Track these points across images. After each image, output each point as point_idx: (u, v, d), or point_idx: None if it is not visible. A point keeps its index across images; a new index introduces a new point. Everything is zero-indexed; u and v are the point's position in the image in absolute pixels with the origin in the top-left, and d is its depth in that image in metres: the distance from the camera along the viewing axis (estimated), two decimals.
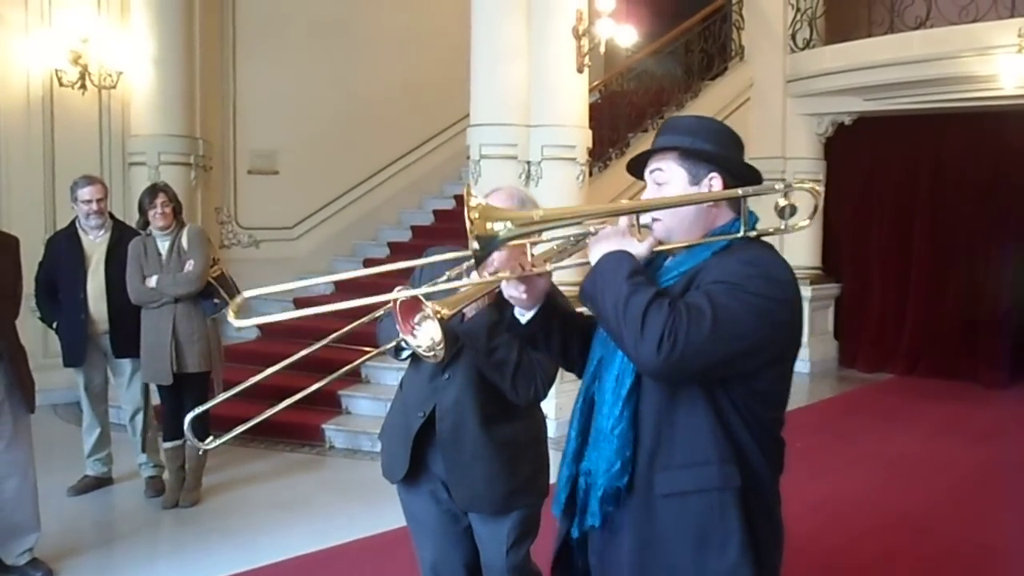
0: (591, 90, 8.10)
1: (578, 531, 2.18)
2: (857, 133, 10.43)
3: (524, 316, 2.24)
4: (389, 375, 7.64)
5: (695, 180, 2.15)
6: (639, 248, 2.07)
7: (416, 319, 2.33)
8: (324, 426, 7.06)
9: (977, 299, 10.17)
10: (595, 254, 2.07)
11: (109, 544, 5.20)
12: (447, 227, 10.05)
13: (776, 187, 2.11)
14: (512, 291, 2.17)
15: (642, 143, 9.38)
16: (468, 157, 7.72)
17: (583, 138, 7.61)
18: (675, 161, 2.16)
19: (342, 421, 7.20)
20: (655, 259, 2.16)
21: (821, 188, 9.90)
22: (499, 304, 2.70)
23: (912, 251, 10.47)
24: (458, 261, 2.66)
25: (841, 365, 10.90)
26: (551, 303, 2.24)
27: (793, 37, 10.20)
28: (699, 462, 2.02)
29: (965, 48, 8.30)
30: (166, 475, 5.83)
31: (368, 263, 9.79)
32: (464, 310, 2.55)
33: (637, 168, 2.29)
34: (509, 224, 1.99)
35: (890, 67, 8.90)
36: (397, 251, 9.96)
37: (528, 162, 7.46)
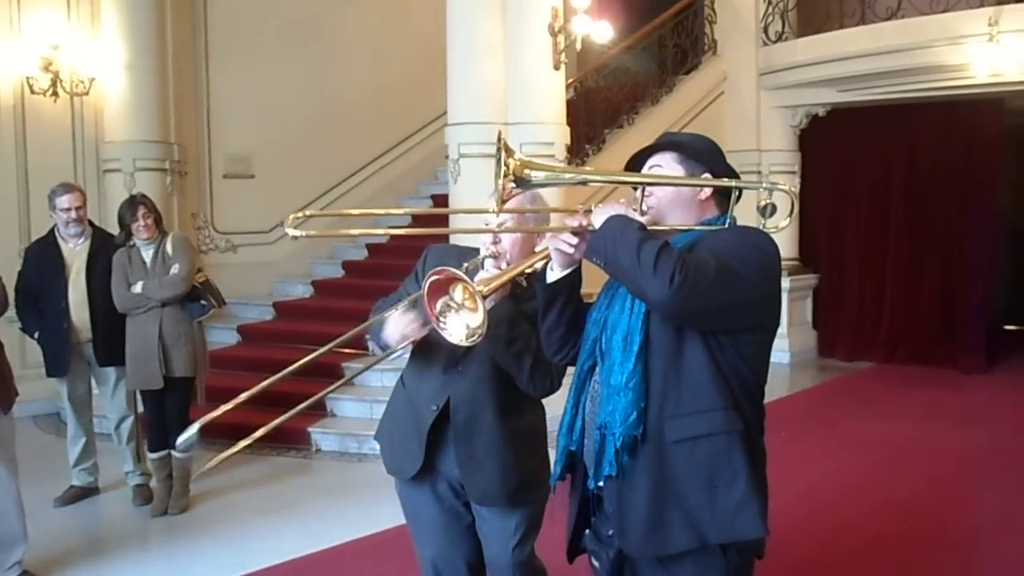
0: (567, 87, 8.11)
1: (594, 483, 2.32)
2: (831, 124, 10.53)
3: (557, 274, 2.38)
4: (373, 376, 7.59)
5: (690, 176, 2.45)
6: (639, 218, 2.28)
7: (438, 308, 2.32)
8: (310, 429, 7.04)
9: (953, 286, 10.30)
10: (599, 217, 2.24)
11: (99, 554, 5.15)
12: (425, 227, 10.03)
13: (763, 185, 2.54)
14: (562, 245, 2.30)
15: (618, 139, 9.42)
16: (446, 156, 7.70)
17: (561, 135, 7.61)
18: (674, 159, 2.45)
19: (328, 424, 7.17)
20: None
21: (797, 187, 10.14)
22: (515, 296, 2.74)
23: (888, 240, 10.57)
24: (468, 256, 2.77)
25: (820, 355, 10.99)
26: (578, 271, 2.40)
27: (765, 30, 10.27)
28: (705, 408, 2.22)
29: (937, 38, 8.38)
30: (153, 483, 5.79)
31: (347, 265, 9.78)
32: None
33: (635, 166, 2.53)
34: (546, 174, 2.27)
35: (862, 58, 8.97)
36: (376, 253, 9.94)
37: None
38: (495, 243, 2.77)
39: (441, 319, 2.32)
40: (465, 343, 2.33)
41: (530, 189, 2.30)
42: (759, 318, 2.30)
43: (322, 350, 2.83)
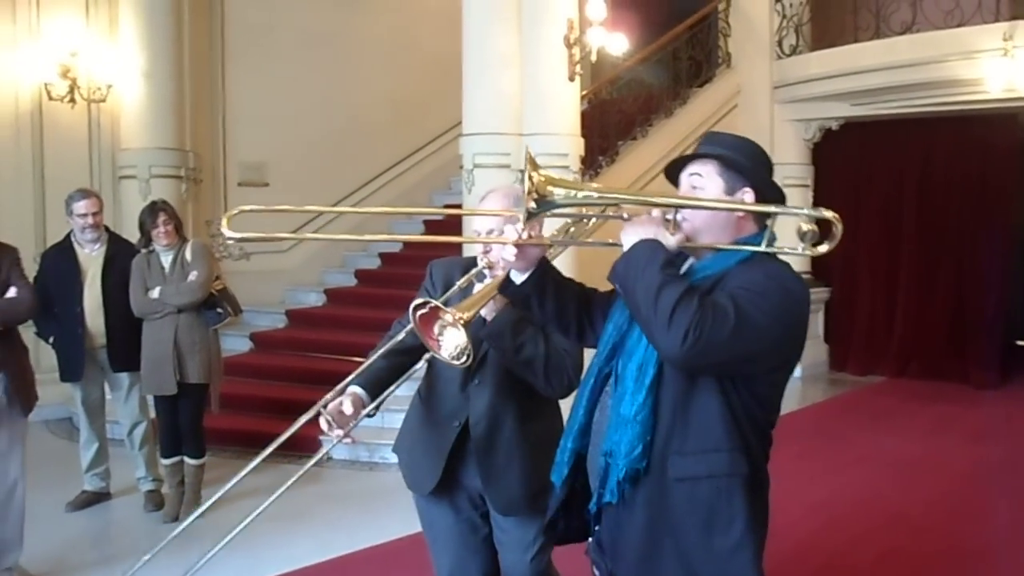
0: (581, 98, 8.13)
1: (595, 506, 2.32)
2: (844, 138, 10.52)
3: (518, 277, 2.37)
4: None
5: (730, 191, 2.31)
6: (670, 241, 2.21)
7: (436, 330, 2.36)
8: (321, 438, 7.02)
9: (965, 300, 10.26)
10: (628, 239, 2.21)
11: (109, 559, 5.17)
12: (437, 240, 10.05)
13: (804, 210, 2.26)
14: (505, 255, 2.31)
15: (632, 151, 9.43)
16: (461, 166, 7.73)
17: (575, 146, 7.63)
18: (714, 169, 2.32)
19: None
20: (679, 257, 2.30)
21: (810, 201, 10.06)
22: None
23: (900, 254, 10.55)
24: (469, 268, 2.78)
25: (832, 368, 10.96)
26: (544, 268, 2.38)
27: (779, 43, 10.27)
28: (710, 449, 2.19)
29: (951, 52, 8.37)
30: (165, 489, 5.82)
31: (359, 274, 9.81)
32: (483, 313, 2.58)
33: (674, 172, 2.43)
34: (567, 192, 2.22)
35: (876, 72, 8.96)
36: (388, 262, 9.97)
37: (521, 171, 7.45)
38: (486, 253, 2.75)
39: (440, 341, 2.40)
40: (455, 363, 2.41)
41: (545, 212, 2.22)
42: (777, 364, 2.26)
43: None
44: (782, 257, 2.29)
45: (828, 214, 2.22)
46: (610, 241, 2.32)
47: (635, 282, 2.12)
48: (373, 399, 2.92)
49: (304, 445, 6.99)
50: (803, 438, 7.54)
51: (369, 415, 2.91)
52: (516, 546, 3.07)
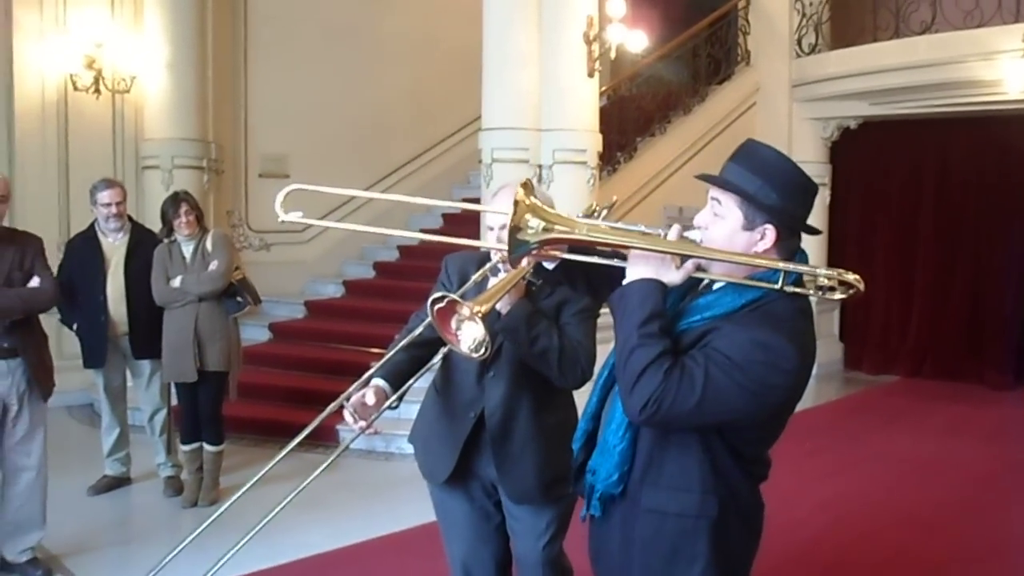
0: (600, 94, 8.18)
1: (585, 512, 2.40)
2: (863, 137, 10.52)
3: (549, 264, 2.46)
4: None
5: (749, 226, 2.15)
6: (674, 276, 2.14)
7: (454, 324, 2.42)
8: (339, 427, 7.12)
9: (982, 301, 10.28)
10: (631, 272, 2.16)
11: (129, 543, 5.29)
12: (455, 230, 10.12)
13: (819, 271, 2.11)
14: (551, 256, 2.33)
15: (650, 148, 9.47)
16: (480, 161, 7.80)
17: (594, 142, 7.69)
18: (735, 202, 2.16)
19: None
20: (690, 287, 2.25)
21: (827, 200, 9.99)
22: (531, 295, 2.83)
23: (917, 254, 10.56)
24: (486, 262, 2.85)
25: (847, 367, 10.99)
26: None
27: (799, 42, 10.29)
28: (682, 488, 2.20)
29: (970, 53, 8.37)
30: (184, 475, 5.91)
31: (378, 266, 9.89)
32: (498, 307, 2.64)
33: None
34: (542, 226, 2.10)
35: (895, 72, 8.97)
36: (406, 255, 10.05)
37: (540, 166, 7.53)
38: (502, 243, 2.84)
39: (459, 335, 2.44)
40: (474, 355, 2.46)
41: (521, 249, 2.14)
42: (760, 422, 2.18)
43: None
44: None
45: (850, 277, 2.09)
46: (615, 262, 2.27)
47: (619, 326, 2.12)
48: (395, 391, 2.97)
49: (322, 435, 7.10)
50: (816, 436, 7.57)
51: (392, 407, 2.96)
52: (529, 534, 3.13)
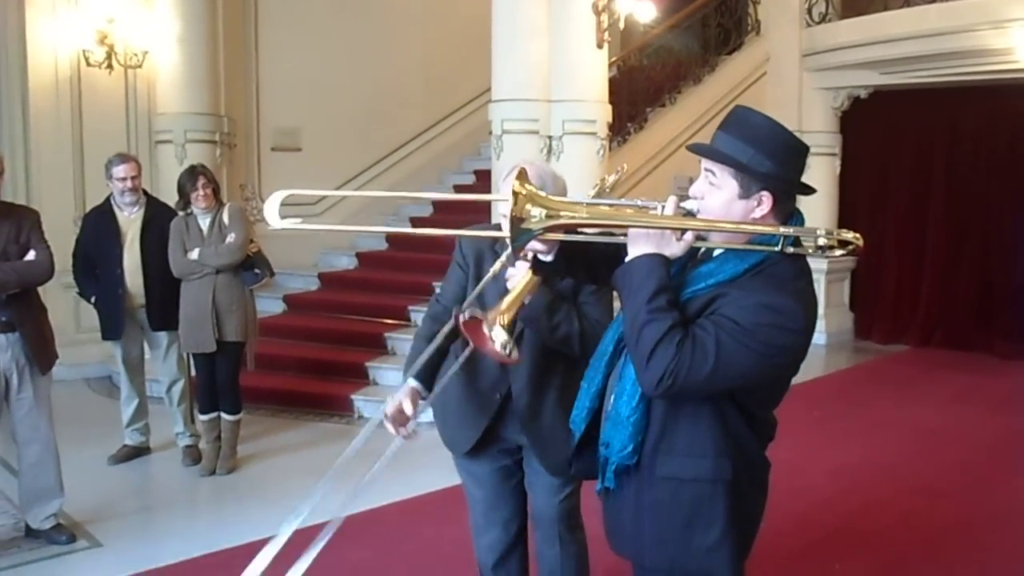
0: (610, 65, 8.19)
1: (600, 486, 2.41)
2: (873, 106, 10.50)
3: (546, 257, 2.41)
4: None
5: (745, 194, 2.18)
6: (676, 247, 2.16)
7: (485, 331, 2.56)
8: (353, 396, 7.23)
9: (992, 270, 10.29)
10: (632, 249, 2.17)
11: (150, 510, 5.39)
12: (466, 202, 10.19)
13: (818, 232, 2.14)
14: (534, 246, 2.32)
15: (660, 118, 9.49)
16: (490, 132, 7.84)
17: (603, 113, 7.72)
18: (729, 173, 2.18)
19: (370, 392, 7.34)
20: (689, 256, 2.26)
21: (837, 169, 9.96)
22: (549, 285, 2.88)
23: (927, 223, 10.57)
24: (501, 244, 2.94)
25: (857, 337, 11.02)
26: (568, 245, 2.34)
27: (809, 11, 10.27)
28: (696, 454, 2.24)
29: (980, 21, 8.35)
30: (202, 444, 6.01)
31: (391, 238, 9.95)
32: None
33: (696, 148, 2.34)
34: (545, 214, 2.09)
35: (906, 41, 8.96)
36: (419, 226, 10.09)
37: (549, 137, 7.57)
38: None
39: (489, 341, 2.56)
40: (507, 359, 2.60)
41: (525, 237, 2.12)
42: (768, 383, 2.25)
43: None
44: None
45: (848, 236, 2.13)
46: (618, 237, 2.24)
47: (626, 303, 2.16)
48: (428, 387, 3.06)
49: (337, 405, 7.24)
50: (825, 404, 7.64)
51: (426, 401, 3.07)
52: (547, 489, 3.23)
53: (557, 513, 3.25)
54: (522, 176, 2.09)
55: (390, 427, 3.01)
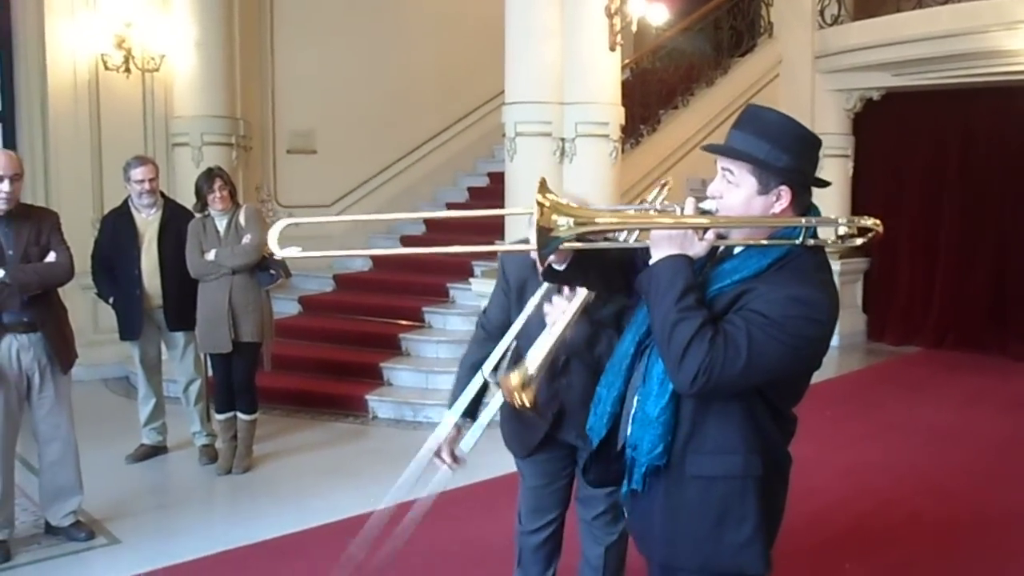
0: (622, 68, 8.23)
1: (627, 488, 2.39)
2: (886, 108, 10.50)
3: (559, 266, 2.37)
4: (428, 347, 7.87)
5: (764, 190, 2.20)
6: (698, 247, 2.18)
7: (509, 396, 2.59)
8: (367, 397, 7.29)
9: (1005, 273, 10.26)
10: (656, 251, 2.19)
11: (167, 508, 5.46)
12: (481, 204, 10.24)
13: (839, 220, 2.20)
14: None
15: (673, 120, 9.53)
16: (503, 135, 7.88)
17: (616, 115, 7.75)
18: (746, 169, 2.20)
19: (384, 392, 7.41)
20: (709, 255, 2.27)
21: (850, 171, 9.94)
22: (589, 315, 2.88)
23: (941, 225, 10.55)
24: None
25: (870, 338, 11.01)
26: (579, 254, 2.34)
27: (821, 13, 10.28)
28: (727, 451, 2.26)
29: (993, 23, 8.35)
30: (219, 443, 6.08)
31: (405, 240, 10.01)
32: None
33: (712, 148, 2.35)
34: (572, 221, 2.10)
35: (918, 42, 8.96)
36: (432, 228, 10.16)
37: (562, 139, 7.61)
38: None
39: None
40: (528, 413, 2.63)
41: (554, 244, 2.12)
42: (796, 375, 2.29)
43: None
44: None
45: (869, 222, 2.19)
46: (639, 242, 2.28)
47: (654, 305, 2.17)
48: (473, 415, 3.19)
49: (351, 405, 7.31)
50: (838, 405, 7.64)
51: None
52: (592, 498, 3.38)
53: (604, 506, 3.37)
54: (543, 187, 2.10)
55: (441, 463, 3.18)
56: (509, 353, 3.06)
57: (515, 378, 2.51)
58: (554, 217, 2.08)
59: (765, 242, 2.19)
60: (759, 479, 2.27)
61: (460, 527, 5.00)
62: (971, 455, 6.61)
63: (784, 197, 2.20)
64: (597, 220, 2.17)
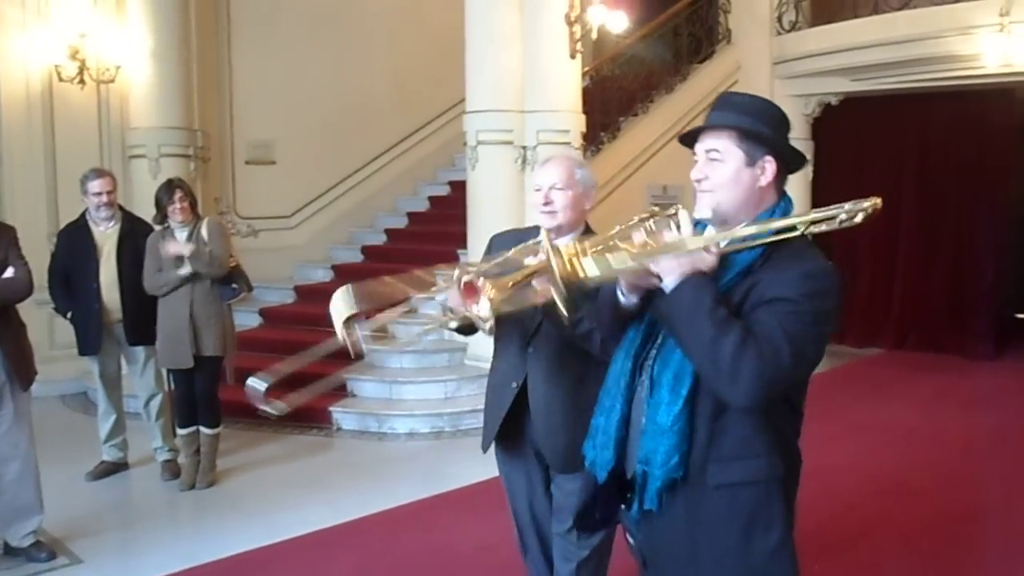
0: (583, 75, 8.25)
1: (638, 510, 2.28)
2: (844, 113, 10.60)
3: (629, 298, 2.28)
4: (392, 358, 7.81)
5: (751, 161, 2.21)
6: (709, 260, 2.13)
7: (474, 297, 2.48)
8: (331, 408, 7.22)
9: (963, 274, 10.42)
10: (669, 276, 2.12)
11: (130, 525, 5.36)
12: (441, 213, 10.22)
13: (842, 209, 2.15)
14: (641, 281, 2.22)
15: (633, 127, 9.55)
16: (464, 143, 7.86)
17: (577, 123, 7.77)
18: (732, 141, 2.21)
19: (349, 403, 7.35)
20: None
21: (809, 176, 10.00)
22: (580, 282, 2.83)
23: (899, 228, 10.67)
24: (527, 239, 2.88)
25: (831, 341, 11.02)
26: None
27: (779, 19, 10.37)
28: (748, 455, 2.18)
29: (948, 28, 8.47)
30: (181, 458, 5.98)
31: (366, 250, 9.95)
32: (537, 287, 2.56)
33: (690, 139, 2.33)
34: (598, 265, 2.09)
35: (875, 48, 9.06)
36: (394, 238, 10.12)
37: (524, 147, 7.61)
38: (546, 203, 3.07)
39: (475, 307, 2.46)
40: (483, 326, 2.49)
41: (576, 288, 2.12)
42: (808, 373, 2.25)
43: None
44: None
45: (867, 204, 2.14)
46: (652, 271, 2.16)
47: (684, 330, 2.10)
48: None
49: (316, 417, 7.23)
50: None
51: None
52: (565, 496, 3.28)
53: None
54: (555, 250, 2.09)
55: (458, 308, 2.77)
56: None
57: (489, 283, 2.40)
58: (575, 265, 2.08)
59: (769, 239, 2.14)
60: (782, 480, 2.21)
61: (427, 537, 4.97)
62: (935, 454, 6.67)
63: (769, 170, 2.21)
64: (622, 260, 2.12)
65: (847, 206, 2.14)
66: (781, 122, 2.28)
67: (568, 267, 2.12)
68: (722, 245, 2.16)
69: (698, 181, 2.25)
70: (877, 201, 2.14)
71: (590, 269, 2.12)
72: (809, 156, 10.57)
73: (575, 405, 3.13)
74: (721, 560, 2.21)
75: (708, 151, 2.24)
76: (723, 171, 2.22)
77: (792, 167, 2.30)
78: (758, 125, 2.21)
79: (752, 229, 2.17)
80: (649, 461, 2.20)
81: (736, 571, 2.22)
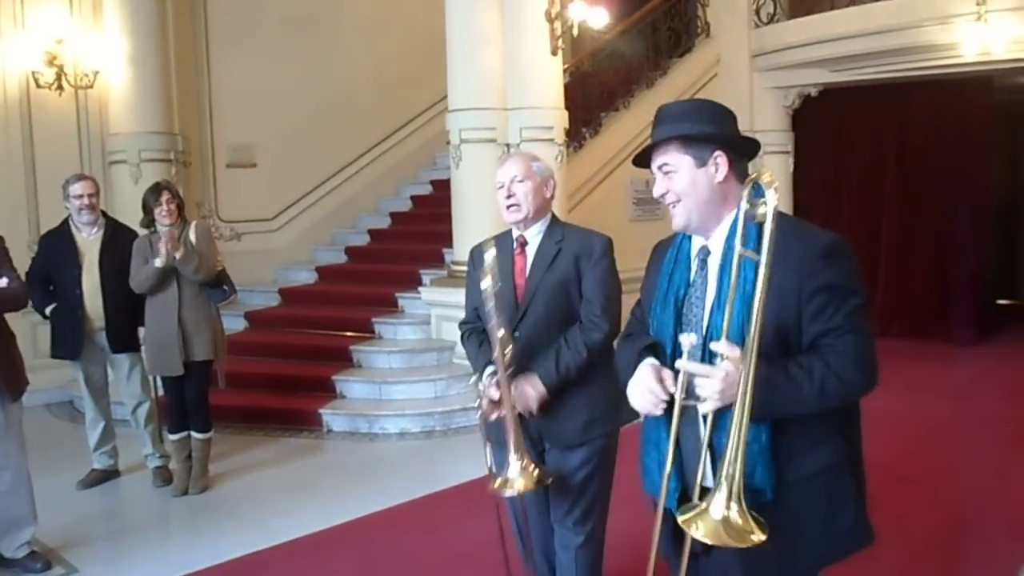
0: (564, 72, 8.24)
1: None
2: (824, 104, 10.66)
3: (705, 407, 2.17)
4: (380, 358, 7.80)
5: (701, 162, 2.26)
6: (734, 373, 2.06)
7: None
8: (321, 411, 7.19)
9: (945, 261, 10.48)
10: (720, 403, 2.09)
11: (123, 533, 5.31)
12: (423, 212, 10.22)
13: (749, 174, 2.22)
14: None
15: (615, 122, 9.55)
16: (448, 142, 7.85)
17: (560, 119, 7.77)
18: (678, 150, 2.27)
19: (338, 405, 7.32)
20: (701, 263, 2.32)
21: (791, 167, 9.99)
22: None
23: (881, 217, 10.73)
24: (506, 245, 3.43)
25: None
26: None
27: (757, 12, 10.40)
28: (816, 442, 2.24)
29: (926, 17, 8.52)
30: (173, 464, 5.95)
31: (349, 251, 9.93)
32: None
33: (644, 161, 2.40)
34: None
35: (853, 39, 9.11)
36: (377, 238, 10.10)
37: (507, 145, 7.61)
38: (509, 197, 3.34)
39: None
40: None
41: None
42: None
43: None
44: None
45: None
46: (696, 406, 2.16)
47: (795, 411, 2.14)
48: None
49: (306, 420, 7.21)
50: None
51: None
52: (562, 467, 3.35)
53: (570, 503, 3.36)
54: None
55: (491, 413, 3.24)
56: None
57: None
58: (722, 533, 2.04)
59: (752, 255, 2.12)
60: (848, 458, 2.28)
61: (426, 536, 4.96)
62: (922, 439, 6.72)
63: (722, 164, 2.26)
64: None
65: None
66: (723, 115, 2.33)
67: None
68: (734, 352, 2.08)
69: (662, 196, 2.32)
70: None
71: None
72: (789, 148, 10.69)
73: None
74: (809, 547, 2.25)
75: (661, 167, 2.31)
76: (679, 180, 2.28)
77: (746, 153, 2.35)
78: (698, 126, 2.27)
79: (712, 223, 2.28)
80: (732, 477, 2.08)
81: (823, 555, 2.29)
